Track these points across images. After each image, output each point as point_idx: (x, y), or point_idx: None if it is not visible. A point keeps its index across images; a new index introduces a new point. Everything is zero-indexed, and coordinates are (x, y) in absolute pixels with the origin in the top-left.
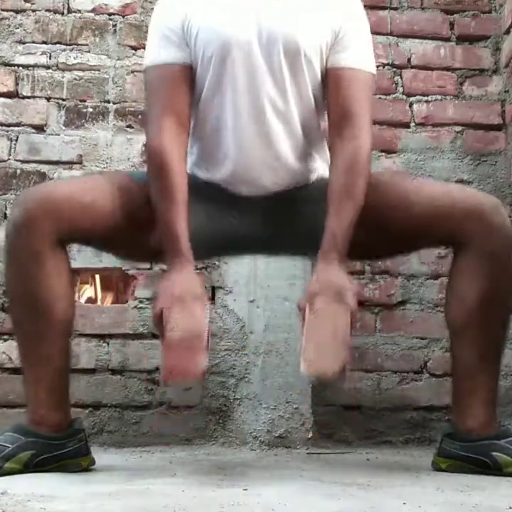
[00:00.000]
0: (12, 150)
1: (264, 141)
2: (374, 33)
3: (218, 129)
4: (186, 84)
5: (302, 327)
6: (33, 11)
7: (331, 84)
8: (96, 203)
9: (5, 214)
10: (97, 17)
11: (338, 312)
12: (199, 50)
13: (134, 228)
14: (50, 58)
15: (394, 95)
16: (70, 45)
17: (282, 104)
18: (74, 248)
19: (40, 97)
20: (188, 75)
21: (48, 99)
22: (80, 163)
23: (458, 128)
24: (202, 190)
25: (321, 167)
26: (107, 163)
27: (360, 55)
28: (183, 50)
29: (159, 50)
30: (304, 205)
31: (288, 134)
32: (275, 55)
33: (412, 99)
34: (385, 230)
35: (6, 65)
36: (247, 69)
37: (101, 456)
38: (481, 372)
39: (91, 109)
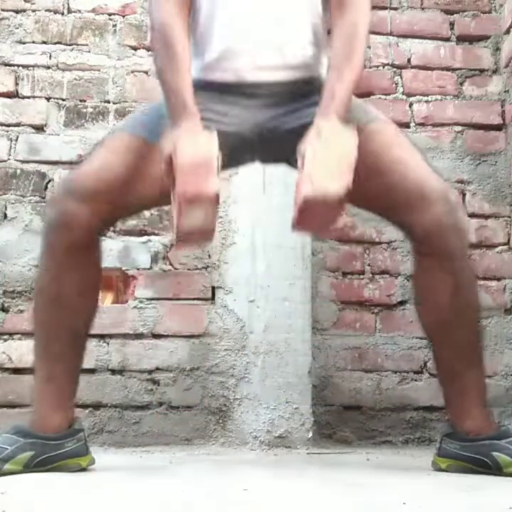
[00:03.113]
0: (12, 150)
1: (264, 12)
2: (374, 33)
3: (213, 12)
4: None
5: (303, 160)
6: (33, 11)
7: None
8: (117, 177)
9: (5, 214)
10: (97, 17)
11: (345, 138)
12: None
13: (153, 177)
14: (50, 58)
15: (394, 95)
16: (70, 45)
17: None
18: None
19: (40, 97)
20: None
21: (48, 99)
22: (80, 163)
23: (458, 128)
24: (197, 95)
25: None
26: None
27: None
28: None
29: None
30: (313, 107)
31: (290, 12)
32: None
33: (412, 99)
34: (356, 179)
35: (6, 65)
36: None
37: (101, 456)
38: (466, 371)
39: (91, 109)
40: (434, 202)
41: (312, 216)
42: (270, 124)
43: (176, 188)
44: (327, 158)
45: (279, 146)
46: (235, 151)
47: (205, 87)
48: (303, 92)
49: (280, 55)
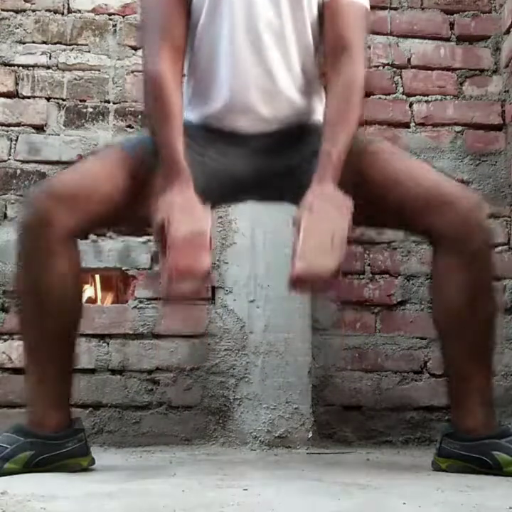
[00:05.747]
0: (12, 150)
1: (261, 66)
2: (374, 33)
3: (214, 56)
4: (183, 9)
5: (297, 233)
6: (33, 11)
7: (327, 16)
8: (99, 187)
9: (5, 214)
10: (97, 17)
11: (336, 214)
12: None
13: (138, 199)
14: (50, 58)
15: (394, 95)
16: (70, 45)
17: (280, 33)
18: None
19: (40, 97)
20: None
21: (48, 99)
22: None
23: (458, 128)
24: (196, 135)
25: (320, 109)
26: None
27: None
28: None
29: None
30: (304, 148)
31: (286, 63)
32: None
33: (412, 99)
34: (370, 201)
35: (6, 65)
36: None
37: (101, 456)
38: (475, 371)
39: (91, 109)
40: (456, 200)
41: (307, 286)
42: (263, 168)
43: (167, 260)
44: (319, 233)
45: (271, 187)
46: (229, 190)
47: (199, 130)
48: (294, 137)
49: (273, 108)
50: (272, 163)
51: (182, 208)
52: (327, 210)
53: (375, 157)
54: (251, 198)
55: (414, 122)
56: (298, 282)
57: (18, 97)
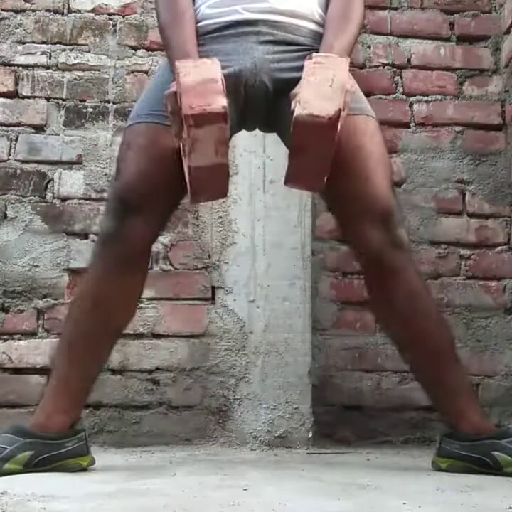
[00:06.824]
0: (12, 150)
1: None
2: (374, 33)
3: None
4: None
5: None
6: (33, 11)
7: None
8: (157, 176)
9: (5, 214)
10: (97, 17)
11: (338, 63)
12: None
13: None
14: (50, 58)
15: (394, 95)
16: (70, 45)
17: None
18: (74, 248)
19: (40, 97)
20: None
21: (48, 99)
22: (80, 163)
23: (458, 128)
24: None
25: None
26: (107, 163)
27: None
28: None
29: None
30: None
31: None
32: None
33: (412, 99)
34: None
35: (6, 65)
36: None
37: (101, 456)
38: (447, 374)
39: (91, 109)
40: (378, 222)
41: (304, 155)
42: (269, 65)
43: (182, 110)
44: (318, 81)
45: (273, 97)
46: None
47: (208, 35)
48: (304, 46)
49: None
50: (276, 64)
51: (189, 63)
52: (326, 62)
53: (355, 133)
54: (250, 114)
55: (414, 122)
56: (295, 150)
57: (18, 97)
